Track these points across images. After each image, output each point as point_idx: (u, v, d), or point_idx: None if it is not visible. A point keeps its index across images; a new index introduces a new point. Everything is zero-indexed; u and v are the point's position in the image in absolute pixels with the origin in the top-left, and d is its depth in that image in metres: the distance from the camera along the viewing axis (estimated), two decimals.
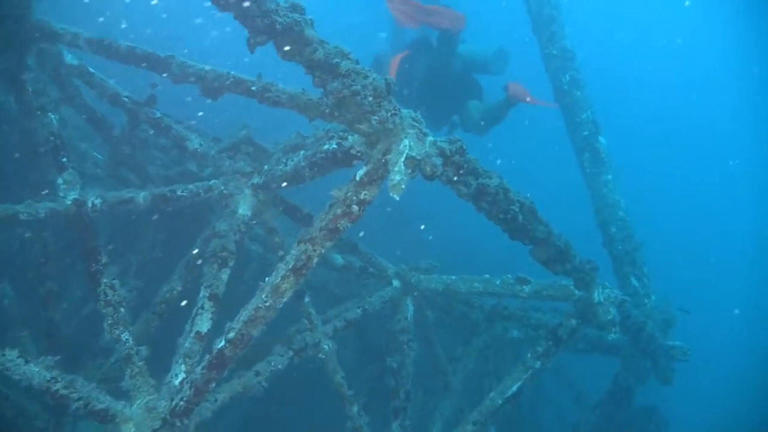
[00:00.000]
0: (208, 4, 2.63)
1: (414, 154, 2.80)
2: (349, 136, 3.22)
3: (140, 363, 3.63)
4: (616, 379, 6.65)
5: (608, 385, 6.96)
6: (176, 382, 3.54)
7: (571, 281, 4.42)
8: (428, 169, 2.92)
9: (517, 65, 8.07)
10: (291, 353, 4.35)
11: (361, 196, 3.01)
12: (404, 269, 5.47)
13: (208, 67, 3.80)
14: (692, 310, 6.59)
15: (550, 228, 3.84)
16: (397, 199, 2.76)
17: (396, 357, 5.14)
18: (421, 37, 7.03)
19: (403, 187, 2.76)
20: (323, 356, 4.55)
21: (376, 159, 2.97)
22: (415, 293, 5.42)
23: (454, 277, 5.24)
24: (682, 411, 11.83)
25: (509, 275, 4.81)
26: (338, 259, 5.41)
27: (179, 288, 4.64)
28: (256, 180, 4.40)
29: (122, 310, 3.77)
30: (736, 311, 21.40)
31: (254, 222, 4.47)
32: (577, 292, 4.44)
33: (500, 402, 4.67)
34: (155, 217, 5.37)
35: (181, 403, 3.34)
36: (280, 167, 4.02)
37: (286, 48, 2.75)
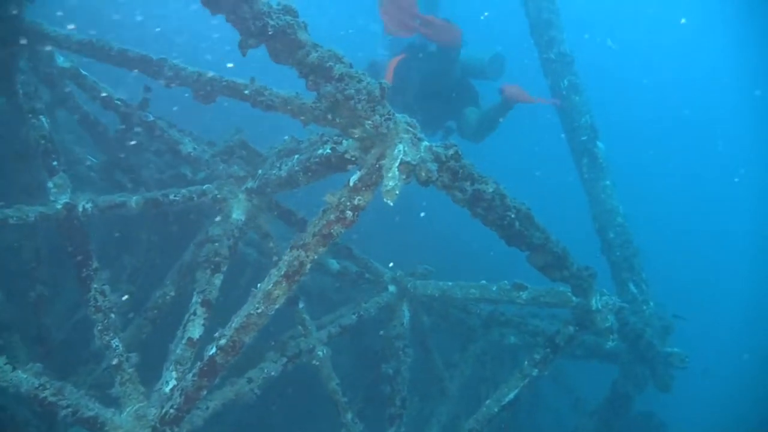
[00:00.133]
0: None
1: (408, 159, 2.76)
2: (344, 141, 3.18)
3: (130, 370, 3.58)
4: (614, 387, 6.60)
5: (606, 392, 6.91)
6: (167, 390, 3.49)
7: (568, 288, 4.37)
8: (423, 174, 2.88)
9: (516, 69, 8.05)
10: (284, 360, 4.30)
11: (355, 202, 2.97)
12: (400, 275, 5.42)
13: (200, 71, 3.76)
14: (688, 316, 6.53)
15: (547, 234, 3.79)
16: (391, 204, 2.72)
17: (392, 363, 5.09)
18: (418, 40, 6.98)
19: (397, 192, 2.72)
20: (317, 363, 4.50)
21: (370, 164, 2.93)
22: (411, 299, 5.37)
23: (450, 283, 5.19)
24: (680, 412, 11.77)
25: (506, 281, 4.76)
26: (334, 265, 5.36)
27: (172, 293, 4.59)
28: (250, 184, 4.36)
29: (112, 316, 3.71)
30: (745, 356, 21.25)
31: (248, 227, 4.42)
32: (574, 299, 4.39)
33: (496, 410, 4.63)
34: (149, 219, 5.33)
35: (171, 410, 3.28)
36: (275, 172, 3.97)
37: (279, 51, 2.71)
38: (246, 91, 3.51)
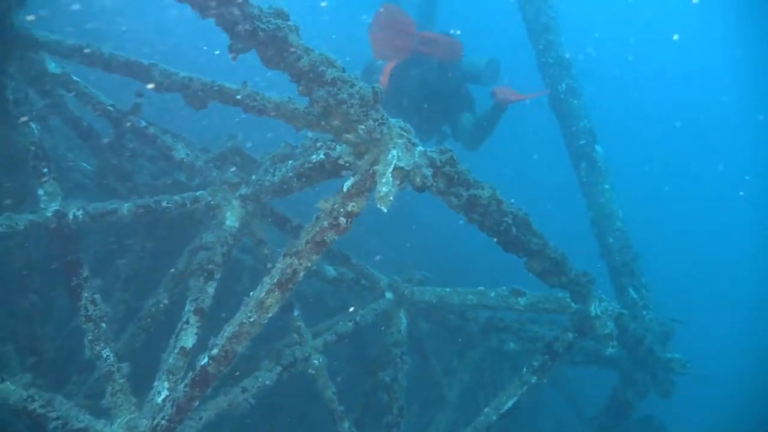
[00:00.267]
0: None
1: (402, 164, 2.71)
2: (337, 146, 3.13)
3: (121, 380, 3.52)
4: (614, 393, 6.54)
5: (607, 397, 6.85)
6: (159, 400, 3.42)
7: (567, 294, 4.32)
8: (418, 180, 2.83)
9: (514, 73, 8.01)
10: (280, 369, 4.23)
11: (349, 208, 2.92)
12: (397, 281, 5.36)
13: (191, 75, 3.70)
14: (685, 319, 6.47)
15: (544, 240, 3.74)
16: (385, 211, 2.67)
17: (389, 371, 5.01)
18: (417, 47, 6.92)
19: (391, 199, 2.67)
20: (313, 371, 4.44)
21: (363, 170, 2.88)
22: (409, 305, 5.31)
23: (447, 290, 5.13)
24: (680, 413, 11.70)
25: (504, 287, 4.71)
26: (330, 271, 5.30)
27: (165, 301, 4.52)
28: (244, 190, 4.30)
29: (103, 325, 3.65)
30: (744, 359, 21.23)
31: (243, 234, 4.36)
32: (573, 305, 4.33)
33: (495, 418, 4.56)
34: (144, 225, 5.27)
35: (163, 422, 3.22)
36: (268, 178, 3.92)
37: (269, 55, 2.66)
38: (238, 96, 3.45)
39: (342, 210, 2.91)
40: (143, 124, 4.63)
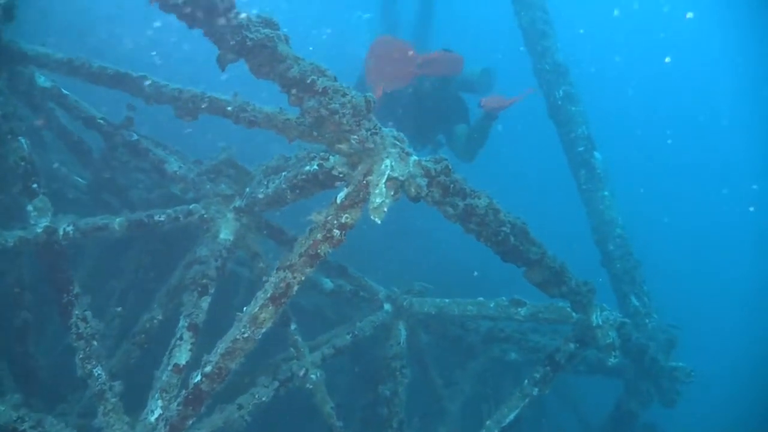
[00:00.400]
0: None
1: (396, 174, 2.65)
2: (331, 157, 3.06)
3: (113, 399, 3.45)
4: (618, 403, 6.44)
5: (611, 407, 6.76)
6: (152, 419, 3.34)
7: (568, 303, 4.24)
8: (413, 190, 2.77)
9: (515, 74, 7.95)
10: (276, 384, 4.15)
11: (342, 220, 2.85)
12: (396, 292, 5.29)
13: (181, 87, 3.65)
14: (682, 325, 6.37)
15: (543, 249, 3.66)
16: (379, 222, 2.60)
17: (389, 384, 4.93)
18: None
19: (385, 210, 2.60)
20: (311, 387, 4.36)
21: (357, 180, 2.81)
22: (408, 317, 5.23)
23: (447, 300, 5.05)
24: (679, 413, 11.58)
25: (504, 297, 4.63)
26: (327, 284, 5.22)
27: (160, 317, 4.44)
28: (238, 203, 4.23)
29: (95, 343, 3.58)
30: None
31: (237, 247, 4.29)
32: (574, 314, 4.25)
33: (497, 431, 4.46)
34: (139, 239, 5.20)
35: None
36: (262, 190, 3.85)
37: (259, 65, 2.60)
38: (229, 108, 3.40)
39: (336, 222, 2.84)
40: (135, 137, 4.58)
